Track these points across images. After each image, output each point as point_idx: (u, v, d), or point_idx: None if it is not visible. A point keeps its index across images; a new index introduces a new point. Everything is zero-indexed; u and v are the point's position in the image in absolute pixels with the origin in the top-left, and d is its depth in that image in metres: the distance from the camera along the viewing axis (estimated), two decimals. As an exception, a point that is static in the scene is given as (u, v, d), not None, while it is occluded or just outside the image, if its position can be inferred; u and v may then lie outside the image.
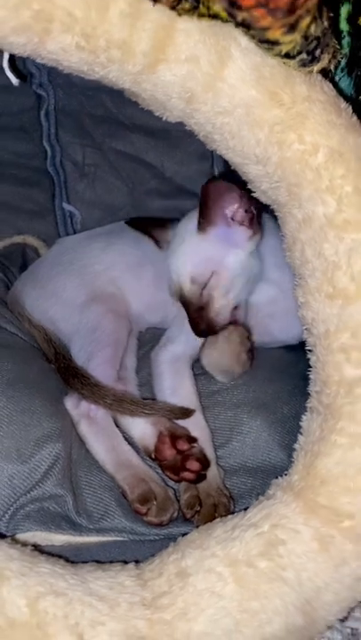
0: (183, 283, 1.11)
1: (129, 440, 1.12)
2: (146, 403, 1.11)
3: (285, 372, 1.19)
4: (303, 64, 0.69)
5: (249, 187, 0.97)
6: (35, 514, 0.99)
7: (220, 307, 1.11)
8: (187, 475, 1.02)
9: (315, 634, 0.81)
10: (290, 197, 0.90)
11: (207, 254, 1.10)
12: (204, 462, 1.04)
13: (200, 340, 1.15)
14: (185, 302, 1.12)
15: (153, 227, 1.25)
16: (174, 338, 1.19)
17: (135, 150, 1.50)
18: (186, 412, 1.09)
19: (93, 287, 1.25)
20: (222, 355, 1.13)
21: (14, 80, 0.94)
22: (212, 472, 1.06)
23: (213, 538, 0.83)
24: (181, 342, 1.17)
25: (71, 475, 1.04)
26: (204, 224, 1.10)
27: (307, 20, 0.60)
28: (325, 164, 0.84)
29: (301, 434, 0.91)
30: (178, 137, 1.46)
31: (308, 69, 0.76)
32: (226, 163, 1.46)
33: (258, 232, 1.12)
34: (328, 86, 0.86)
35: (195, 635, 0.75)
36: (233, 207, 1.09)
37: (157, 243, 1.24)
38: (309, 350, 0.93)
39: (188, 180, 1.51)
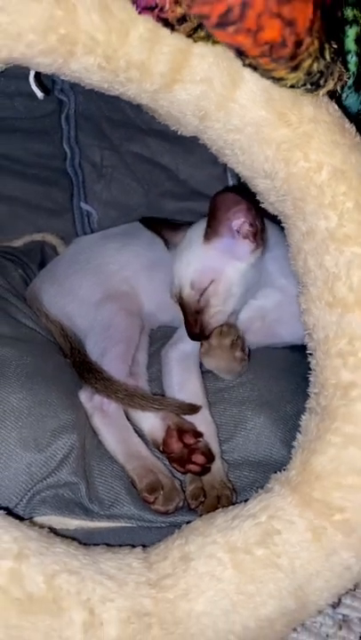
0: (183, 286, 1.17)
1: (139, 433, 1.18)
2: (155, 398, 1.18)
3: (290, 371, 1.25)
4: (309, 91, 0.75)
5: (258, 198, 1.03)
6: (50, 499, 1.06)
7: (215, 313, 1.17)
8: (192, 467, 1.09)
9: (306, 617, 0.88)
10: (295, 211, 0.95)
11: (209, 263, 1.16)
12: (209, 456, 1.11)
13: None
14: (183, 305, 1.17)
15: (165, 228, 1.31)
16: (184, 337, 1.25)
17: (151, 153, 1.55)
18: (193, 408, 1.16)
19: (108, 286, 1.31)
20: (219, 360, 1.18)
21: (39, 94, 1.00)
22: (217, 465, 1.13)
23: (215, 526, 0.90)
24: (190, 341, 1.23)
25: (85, 464, 1.11)
26: (210, 234, 1.16)
27: (309, 62, 0.66)
28: (329, 181, 0.90)
29: (300, 432, 0.97)
30: (193, 142, 1.51)
31: (314, 94, 0.81)
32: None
33: (260, 246, 1.17)
34: (333, 107, 0.91)
35: (195, 614, 0.82)
36: (239, 220, 1.15)
37: (167, 244, 1.30)
38: (310, 354, 0.99)
39: (201, 183, 1.56)
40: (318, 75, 0.70)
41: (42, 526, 0.90)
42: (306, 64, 0.66)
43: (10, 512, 0.91)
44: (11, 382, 1.12)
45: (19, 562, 0.79)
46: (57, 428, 1.10)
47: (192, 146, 1.52)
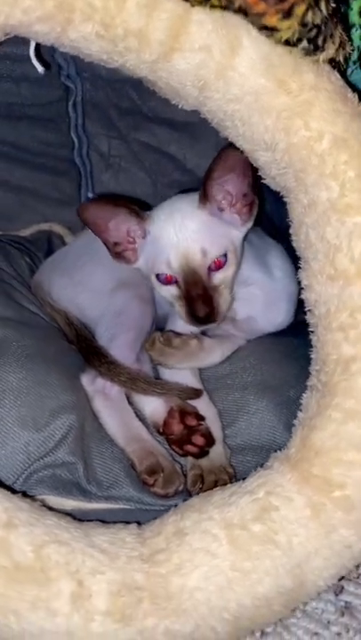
0: (191, 255, 1.05)
1: (140, 417, 1.16)
2: (158, 382, 1.16)
3: (293, 355, 1.22)
4: (307, 52, 0.73)
5: (259, 174, 1.01)
6: (47, 479, 1.05)
7: (228, 296, 1.09)
8: (190, 448, 1.07)
9: (304, 597, 0.85)
10: (296, 183, 0.94)
11: (218, 231, 1.07)
12: (209, 439, 1.08)
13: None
14: (187, 280, 1.06)
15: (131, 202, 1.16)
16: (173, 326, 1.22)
17: (158, 142, 1.55)
18: (196, 393, 1.14)
19: (120, 275, 1.28)
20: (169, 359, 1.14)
21: (40, 68, 1.00)
22: (217, 451, 1.10)
23: (211, 503, 0.87)
24: (178, 328, 1.19)
25: (83, 445, 1.09)
26: (205, 197, 1.07)
27: (302, 8, 0.64)
28: (330, 150, 0.88)
29: (301, 410, 0.94)
30: (199, 130, 1.50)
31: (314, 58, 0.80)
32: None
33: (250, 219, 1.11)
34: (336, 76, 0.90)
35: (188, 589, 0.79)
36: (238, 184, 1.06)
37: (139, 216, 1.12)
38: (311, 331, 0.97)
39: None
40: (315, 30, 0.68)
41: (34, 499, 0.88)
42: (299, 10, 0.65)
43: (2, 484, 0.89)
44: (10, 362, 1.11)
45: (7, 531, 0.78)
46: (56, 408, 1.09)
47: (199, 134, 1.54)
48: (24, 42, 1.20)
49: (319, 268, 0.92)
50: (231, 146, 1.01)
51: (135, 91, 1.46)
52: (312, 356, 0.97)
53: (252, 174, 1.05)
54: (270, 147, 0.93)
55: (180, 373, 1.17)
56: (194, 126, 1.51)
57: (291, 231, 0.99)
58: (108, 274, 1.28)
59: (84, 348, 1.20)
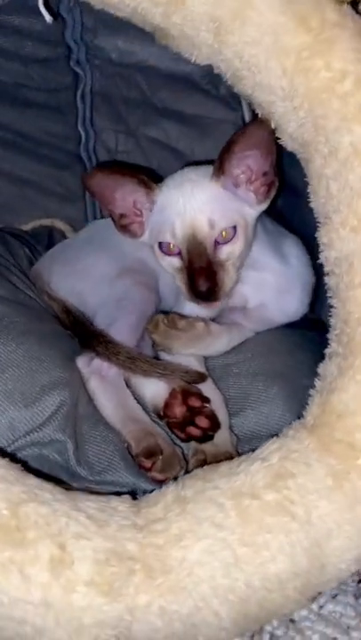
0: (197, 226, 0.97)
1: (141, 403, 1.06)
2: (160, 363, 1.06)
3: (306, 346, 1.14)
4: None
5: (277, 135, 0.95)
6: (33, 459, 0.94)
7: (233, 274, 1.00)
8: (193, 430, 0.96)
9: (324, 583, 0.72)
10: (316, 132, 0.87)
11: (229, 204, 1.00)
12: (214, 422, 0.98)
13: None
14: (191, 251, 0.98)
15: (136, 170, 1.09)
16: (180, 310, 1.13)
17: (167, 138, 1.50)
18: (201, 376, 1.04)
19: (124, 264, 1.21)
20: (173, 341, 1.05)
21: (48, 17, 0.96)
22: (223, 436, 1.00)
23: (217, 472, 0.76)
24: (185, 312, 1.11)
25: (75, 425, 1.00)
26: (220, 170, 0.99)
27: None
28: (352, 90, 0.82)
29: (318, 379, 0.85)
30: (209, 124, 1.47)
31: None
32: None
33: (267, 200, 1.03)
34: (358, 18, 0.85)
35: (188, 563, 0.67)
36: (260, 161, 0.99)
37: (146, 186, 1.04)
38: (330, 297, 0.89)
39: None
40: None
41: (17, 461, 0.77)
42: None
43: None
44: (1, 335, 1.03)
45: (-21, 486, 0.67)
46: (47, 384, 1.01)
47: (208, 129, 1.50)
48: (33, 12, 1.20)
49: (341, 220, 0.85)
50: (256, 121, 0.96)
51: (145, 80, 1.43)
52: (331, 321, 0.88)
53: (277, 154, 0.99)
54: (288, 94, 0.87)
55: (184, 360, 1.07)
56: (203, 120, 1.47)
57: (309, 191, 0.92)
58: (111, 263, 1.21)
59: (82, 333, 1.12)
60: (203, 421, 0.97)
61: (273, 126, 0.94)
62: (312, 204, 0.92)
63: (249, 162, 1.00)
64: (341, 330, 0.83)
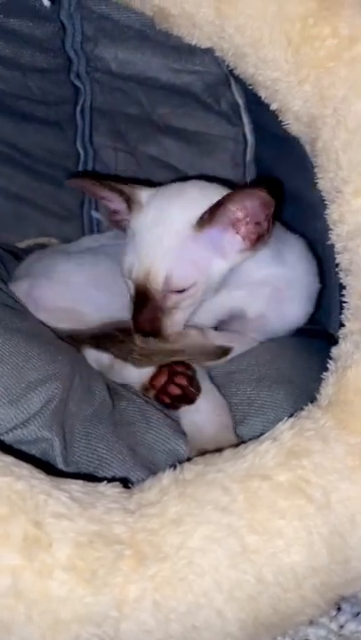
0: (154, 274, 0.93)
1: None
2: (177, 350, 0.98)
3: (314, 354, 1.06)
4: None
5: (280, 118, 0.92)
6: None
7: (180, 318, 0.97)
8: (173, 389, 0.92)
9: (348, 583, 0.61)
10: (323, 105, 0.83)
11: (195, 258, 0.94)
12: (194, 383, 0.93)
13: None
14: (140, 293, 0.95)
15: (119, 182, 1.05)
16: None
17: (167, 155, 1.48)
18: (225, 352, 1.01)
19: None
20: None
21: (46, 2, 0.94)
22: (228, 438, 0.91)
23: (221, 457, 0.67)
24: None
25: (64, 423, 0.91)
26: (206, 221, 0.93)
27: None
28: (361, 56, 0.78)
29: (332, 360, 0.76)
30: (209, 141, 1.44)
31: None
32: (257, 172, 1.44)
33: (253, 251, 0.96)
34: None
35: (187, 551, 0.57)
36: (258, 211, 0.92)
37: (129, 203, 1.01)
38: (344, 277, 0.82)
39: (219, 189, 1.47)
40: None
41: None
42: None
43: None
44: (-17, 331, 0.96)
45: None
46: (34, 380, 0.94)
47: (209, 146, 1.48)
48: (33, 15, 1.19)
49: (353, 189, 0.79)
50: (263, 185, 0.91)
51: (145, 94, 1.41)
52: (344, 302, 0.81)
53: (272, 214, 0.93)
54: (293, 67, 0.84)
55: None
56: (204, 137, 1.45)
57: (315, 170, 0.87)
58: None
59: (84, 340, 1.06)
60: (181, 379, 0.92)
61: (276, 106, 0.90)
62: (320, 184, 0.87)
63: (247, 203, 0.92)
64: (357, 305, 0.76)
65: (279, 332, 1.09)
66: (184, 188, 1.03)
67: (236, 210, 0.92)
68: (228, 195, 0.92)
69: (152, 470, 0.87)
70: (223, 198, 0.91)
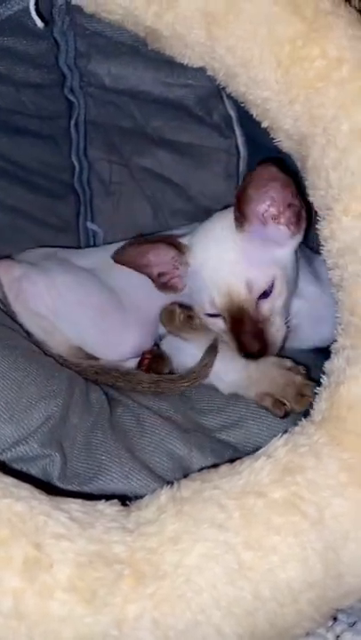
0: (233, 291, 0.95)
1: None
2: (183, 376, 1.04)
3: (318, 367, 1.08)
4: None
5: (272, 135, 0.93)
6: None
7: (280, 322, 0.98)
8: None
9: (342, 597, 0.63)
10: (313, 124, 0.85)
11: (258, 256, 0.96)
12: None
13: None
14: (233, 316, 0.95)
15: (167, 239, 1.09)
16: None
17: (161, 168, 1.49)
18: (214, 347, 1.04)
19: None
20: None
21: (39, 23, 0.95)
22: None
23: (217, 473, 0.68)
24: None
25: (64, 437, 0.93)
26: (241, 219, 0.96)
27: None
28: (349, 77, 0.80)
29: (324, 374, 0.78)
30: (202, 153, 1.46)
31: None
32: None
33: (300, 231, 1.00)
34: (350, 9, 0.84)
35: (185, 569, 0.58)
36: (282, 193, 0.95)
37: (180, 250, 1.04)
38: (335, 292, 0.84)
39: (214, 200, 1.48)
40: None
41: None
42: None
43: None
44: (-16, 347, 0.97)
45: None
46: (34, 396, 0.96)
47: (202, 158, 1.49)
48: (27, 33, 1.20)
49: (343, 207, 0.80)
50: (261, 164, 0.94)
51: (138, 108, 1.43)
52: (337, 318, 0.82)
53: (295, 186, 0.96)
54: (283, 87, 0.85)
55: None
56: (197, 149, 1.46)
57: (307, 183, 0.89)
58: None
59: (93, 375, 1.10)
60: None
61: (267, 124, 0.92)
62: (314, 202, 0.88)
63: (271, 194, 0.96)
64: (348, 321, 0.78)
65: (309, 346, 1.11)
66: (211, 217, 1.08)
67: (266, 205, 0.96)
68: (240, 186, 0.96)
69: (151, 470, 0.89)
70: (240, 189, 0.95)
